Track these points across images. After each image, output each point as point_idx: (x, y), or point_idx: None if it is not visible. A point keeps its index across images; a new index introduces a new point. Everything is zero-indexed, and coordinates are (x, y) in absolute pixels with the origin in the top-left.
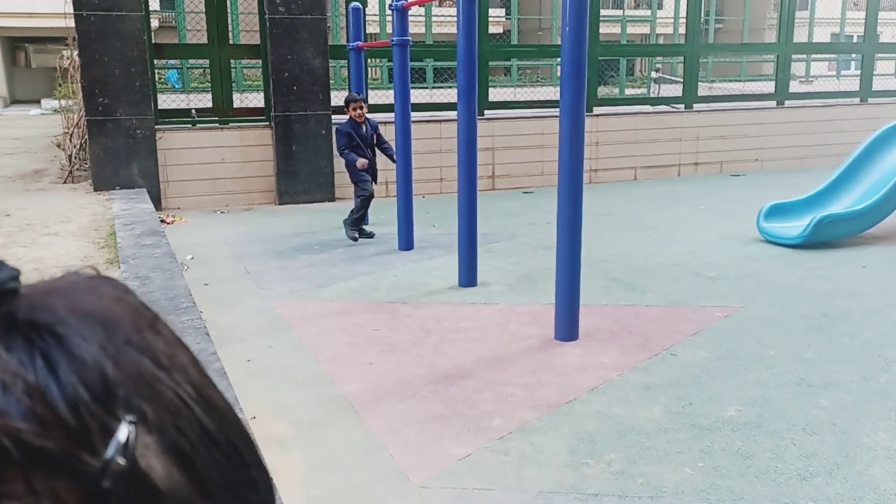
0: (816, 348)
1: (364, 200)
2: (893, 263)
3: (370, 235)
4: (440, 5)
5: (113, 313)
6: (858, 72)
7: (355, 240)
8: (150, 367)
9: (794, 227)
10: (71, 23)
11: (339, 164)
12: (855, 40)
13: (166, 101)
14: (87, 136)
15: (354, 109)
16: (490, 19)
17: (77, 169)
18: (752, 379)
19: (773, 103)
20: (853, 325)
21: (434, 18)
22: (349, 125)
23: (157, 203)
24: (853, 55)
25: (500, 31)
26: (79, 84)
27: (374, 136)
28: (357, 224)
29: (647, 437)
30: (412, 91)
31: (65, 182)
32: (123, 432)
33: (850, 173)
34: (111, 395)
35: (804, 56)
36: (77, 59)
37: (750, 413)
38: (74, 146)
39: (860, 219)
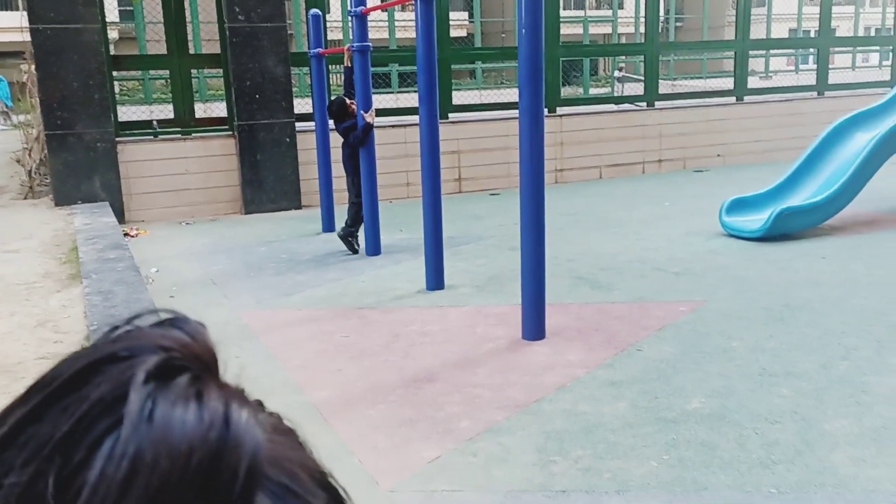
0: (778, 339)
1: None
2: (852, 253)
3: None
4: (403, 10)
5: (309, 462)
6: (815, 66)
7: (357, 251)
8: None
9: (755, 220)
10: (28, 37)
11: (305, 171)
12: (812, 35)
13: (127, 112)
14: (46, 151)
15: (350, 106)
16: (452, 23)
17: (38, 184)
18: (716, 371)
19: (732, 99)
20: (814, 314)
21: (398, 23)
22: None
23: (120, 216)
24: (811, 50)
25: (464, 34)
26: (37, 98)
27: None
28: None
29: (614, 433)
30: (378, 96)
31: (25, 198)
32: None
33: (807, 166)
34: None
35: (763, 52)
36: (34, 73)
37: (713, 405)
38: (34, 161)
39: (818, 210)
